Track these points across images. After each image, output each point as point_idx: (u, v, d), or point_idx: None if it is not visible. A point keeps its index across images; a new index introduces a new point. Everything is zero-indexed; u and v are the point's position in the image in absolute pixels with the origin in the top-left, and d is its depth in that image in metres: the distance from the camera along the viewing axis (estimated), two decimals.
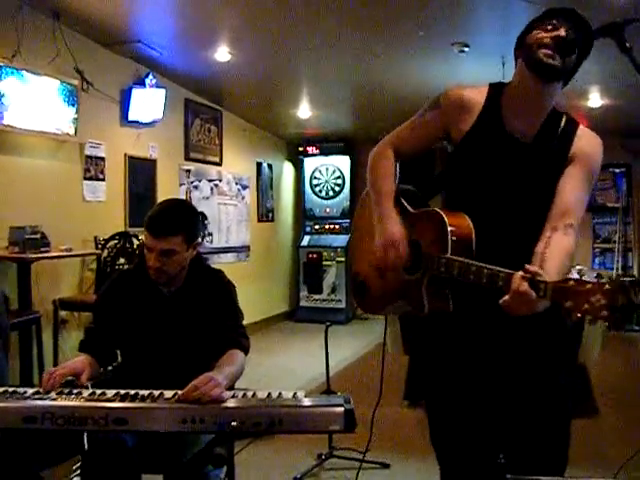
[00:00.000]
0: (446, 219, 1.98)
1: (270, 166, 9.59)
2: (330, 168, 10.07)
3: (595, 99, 7.19)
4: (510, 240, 1.98)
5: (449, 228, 1.96)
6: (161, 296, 2.61)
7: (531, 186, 2.01)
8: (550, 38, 1.93)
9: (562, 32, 1.93)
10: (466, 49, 5.74)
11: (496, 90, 2.13)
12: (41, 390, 2.16)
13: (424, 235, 2.07)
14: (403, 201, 2.24)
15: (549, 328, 2.06)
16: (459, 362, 2.11)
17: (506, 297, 1.71)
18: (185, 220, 2.57)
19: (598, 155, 2.04)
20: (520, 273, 1.68)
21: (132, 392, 2.10)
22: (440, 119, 2.16)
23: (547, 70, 1.95)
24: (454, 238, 1.95)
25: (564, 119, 2.07)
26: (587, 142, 2.04)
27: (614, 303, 1.47)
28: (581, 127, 2.07)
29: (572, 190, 1.96)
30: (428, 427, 2.24)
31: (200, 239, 2.72)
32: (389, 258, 2.10)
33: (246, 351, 2.52)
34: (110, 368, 2.72)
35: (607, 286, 1.49)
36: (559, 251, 1.84)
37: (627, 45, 1.84)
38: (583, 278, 1.54)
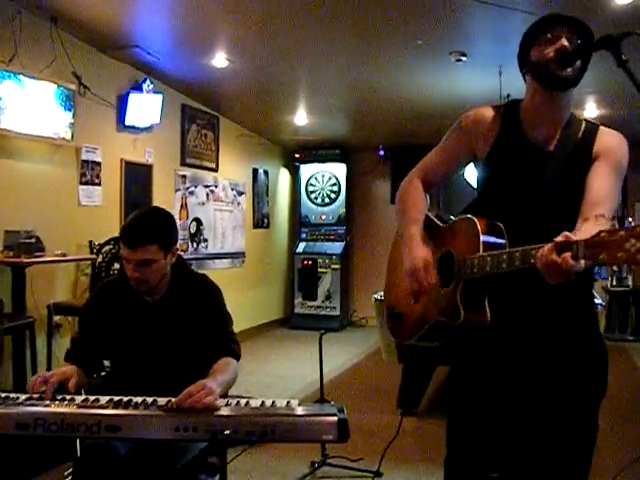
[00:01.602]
0: (476, 221, 1.99)
1: (266, 172, 9.60)
2: (326, 175, 10.08)
3: (591, 109, 7.22)
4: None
5: (479, 228, 1.96)
6: (146, 305, 2.59)
7: (559, 192, 2.02)
8: (554, 51, 1.94)
9: (564, 41, 1.94)
10: (464, 58, 5.76)
11: (512, 106, 2.15)
12: (33, 395, 2.16)
13: (456, 243, 2.08)
14: (433, 218, 2.25)
15: (586, 347, 2.06)
16: (491, 376, 2.09)
17: (539, 267, 1.68)
18: (159, 228, 2.52)
19: (622, 149, 2.04)
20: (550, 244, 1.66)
21: (125, 399, 2.09)
22: (464, 140, 2.19)
23: (559, 82, 1.97)
24: (485, 239, 1.95)
25: (584, 124, 2.08)
26: (609, 139, 2.05)
27: None
28: (602, 128, 2.08)
29: (600, 184, 1.96)
30: (446, 440, 2.22)
31: (180, 244, 2.71)
32: (418, 283, 2.11)
33: (238, 358, 2.50)
34: (103, 374, 2.71)
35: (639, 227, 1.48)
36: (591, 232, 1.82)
37: (623, 58, 1.84)
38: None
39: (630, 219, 9.04)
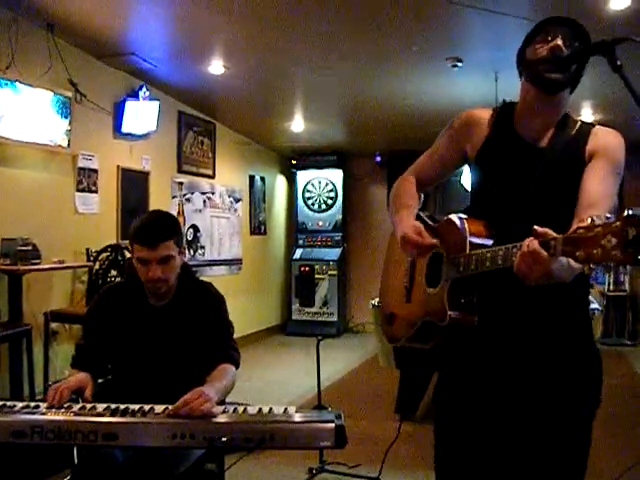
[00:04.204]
0: (465, 220, 1.97)
1: (263, 179, 9.60)
2: (323, 181, 10.09)
3: (587, 114, 7.24)
4: None
5: (467, 228, 1.95)
6: (151, 310, 2.60)
7: (551, 190, 2.00)
8: (548, 50, 1.92)
9: (559, 41, 1.92)
10: (459, 64, 5.77)
11: (507, 107, 2.13)
12: (30, 404, 2.15)
13: (444, 244, 2.03)
14: (424, 217, 2.22)
15: (578, 354, 2.02)
16: (478, 384, 2.06)
17: (517, 260, 1.63)
18: (172, 224, 2.62)
19: (618, 147, 2.00)
20: (531, 237, 1.61)
21: (122, 407, 2.09)
22: (455, 140, 2.18)
23: (550, 85, 1.95)
24: (472, 239, 1.93)
25: (579, 123, 2.06)
26: (604, 137, 2.01)
27: (625, 238, 1.39)
28: (597, 127, 2.05)
29: (595, 184, 1.92)
30: (434, 448, 2.18)
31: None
32: (413, 245, 1.99)
33: (237, 365, 2.51)
34: (101, 381, 2.71)
35: (616, 223, 1.42)
36: None
37: (618, 63, 1.84)
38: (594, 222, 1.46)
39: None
